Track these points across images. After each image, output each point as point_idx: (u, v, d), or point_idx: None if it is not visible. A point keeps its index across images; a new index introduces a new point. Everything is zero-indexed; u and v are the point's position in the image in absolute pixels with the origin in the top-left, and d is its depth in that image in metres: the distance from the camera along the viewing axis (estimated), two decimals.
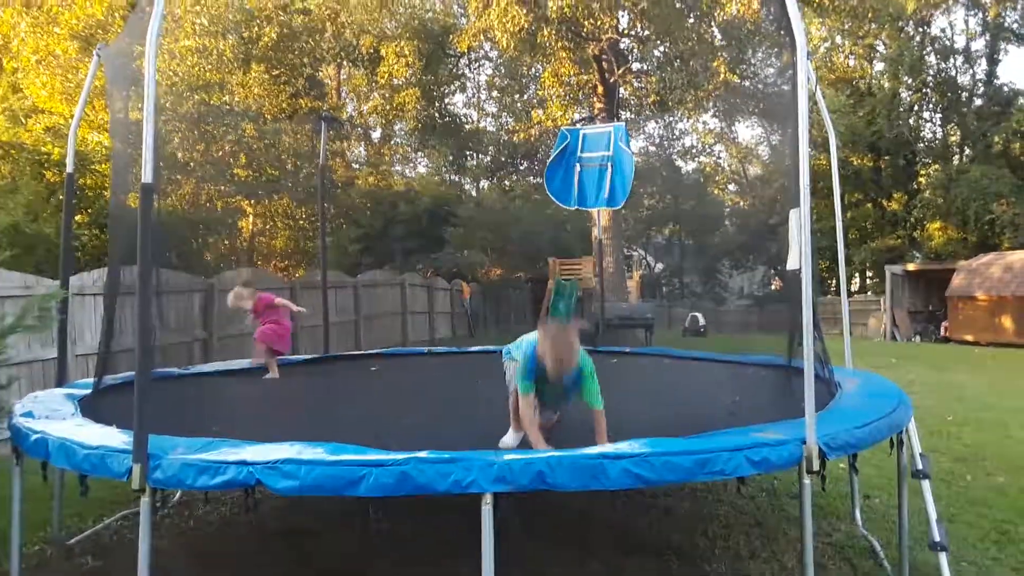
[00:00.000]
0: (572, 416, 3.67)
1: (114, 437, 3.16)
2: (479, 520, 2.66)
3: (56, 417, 3.61)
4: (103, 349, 4.85)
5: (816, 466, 2.91)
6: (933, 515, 3.62)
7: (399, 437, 3.49)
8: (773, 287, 38.59)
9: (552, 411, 3.69)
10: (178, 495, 5.38)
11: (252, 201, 16.28)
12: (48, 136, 12.89)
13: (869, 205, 32.42)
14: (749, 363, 6.09)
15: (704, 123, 31.10)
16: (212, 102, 15.01)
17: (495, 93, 31.01)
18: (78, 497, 3.81)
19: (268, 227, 17.37)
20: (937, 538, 3.55)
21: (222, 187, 15.03)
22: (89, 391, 4.49)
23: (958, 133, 31.74)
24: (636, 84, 21.06)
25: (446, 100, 24.92)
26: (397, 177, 27.01)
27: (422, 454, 2.76)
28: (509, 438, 3.56)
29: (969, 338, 20.79)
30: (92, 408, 3.99)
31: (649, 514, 4.99)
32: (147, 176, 2.92)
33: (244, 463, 2.76)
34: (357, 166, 24.71)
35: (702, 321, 26.48)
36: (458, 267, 21.23)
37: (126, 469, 2.85)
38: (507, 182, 29.82)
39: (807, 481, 2.93)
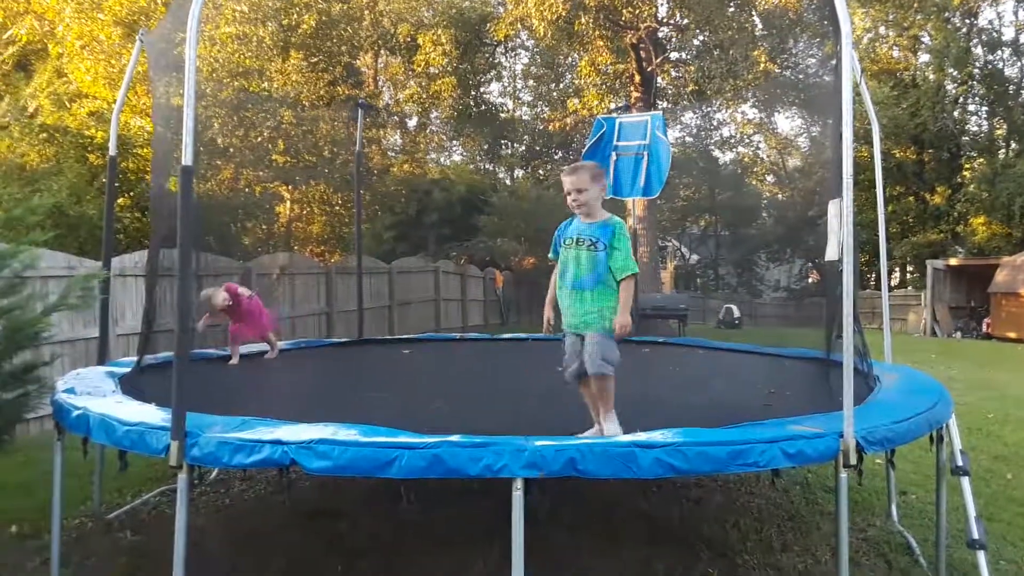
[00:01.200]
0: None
1: (153, 414, 3.22)
2: (509, 506, 2.67)
3: (97, 394, 3.70)
4: (144, 329, 4.96)
5: (853, 460, 2.87)
6: (972, 512, 3.54)
7: (431, 421, 3.51)
8: (810, 280, 38.05)
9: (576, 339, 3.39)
10: (215, 473, 5.48)
11: (289, 187, 16.45)
12: (92, 120, 13.16)
13: (911, 199, 31.74)
14: (786, 355, 6.02)
15: (743, 113, 30.64)
16: (251, 89, 15.16)
17: (531, 82, 30.90)
18: (118, 473, 3.92)
19: (305, 213, 17.54)
20: (976, 535, 3.48)
21: (260, 172, 15.20)
22: (130, 369, 4.59)
23: (1004, 126, 30.88)
24: (674, 73, 20.82)
25: (482, 89, 24.87)
26: (432, 165, 27.08)
27: (454, 438, 2.77)
28: (612, 426, 3.24)
29: (1012, 335, 20.27)
30: (132, 386, 4.08)
31: (680, 505, 4.96)
32: (187, 159, 2.96)
33: (279, 442, 2.80)
34: (393, 154, 24.81)
35: (737, 313, 26.24)
36: (491, 255, 21.22)
37: (164, 446, 2.91)
38: (541, 171, 29.72)
39: (844, 475, 2.89)
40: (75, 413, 3.40)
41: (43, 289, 6.63)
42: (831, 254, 3.30)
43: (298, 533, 4.43)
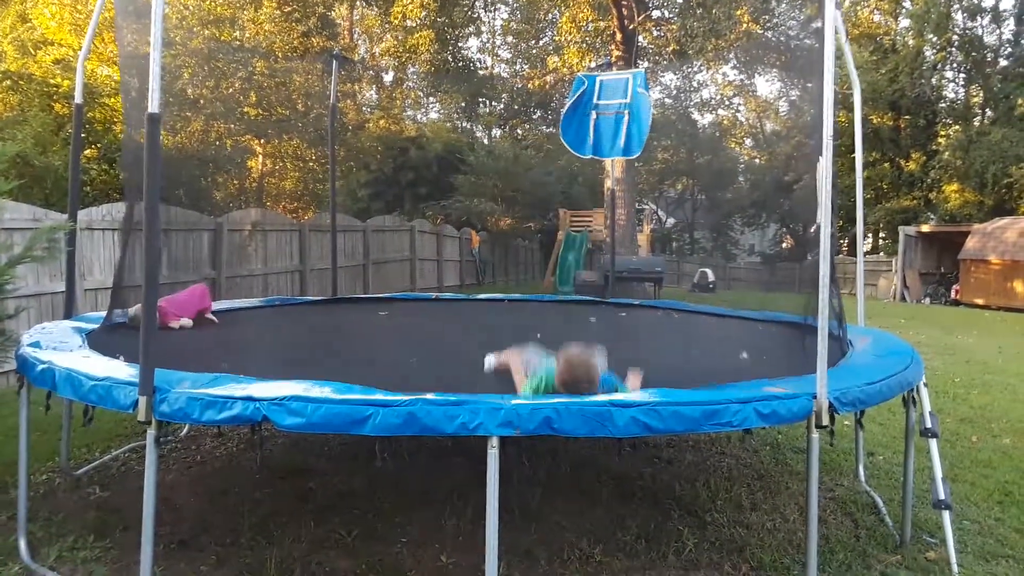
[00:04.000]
0: None
1: (121, 370, 3.16)
2: (484, 464, 2.66)
3: (63, 349, 3.61)
4: (115, 284, 4.85)
5: (825, 421, 2.89)
6: (939, 473, 3.61)
7: (406, 379, 3.48)
8: (785, 245, 38.38)
9: None
10: (186, 429, 5.44)
11: (262, 141, 16.12)
12: (57, 68, 12.73)
13: (886, 165, 31.93)
14: (762, 319, 6.05)
15: (724, 74, 30.49)
16: (222, 38, 14.75)
17: (510, 38, 30.44)
18: (84, 428, 3.86)
19: (278, 168, 17.24)
20: (941, 496, 3.55)
21: (232, 125, 14.87)
22: (98, 325, 4.50)
23: (981, 94, 31.06)
24: (655, 32, 20.59)
25: (460, 44, 24.45)
26: (408, 122, 26.69)
27: (429, 395, 2.74)
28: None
29: (980, 302, 20.66)
30: (100, 341, 4.00)
31: (652, 464, 5.01)
32: (153, 106, 2.85)
33: (251, 399, 2.76)
34: (368, 109, 24.40)
35: (711, 277, 26.42)
36: (468, 215, 21.08)
37: (132, 401, 2.86)
38: (520, 131, 29.46)
39: (815, 435, 2.92)
40: (40, 367, 3.33)
41: (7, 240, 6.45)
42: (820, 217, 3.27)
43: (270, 490, 4.41)
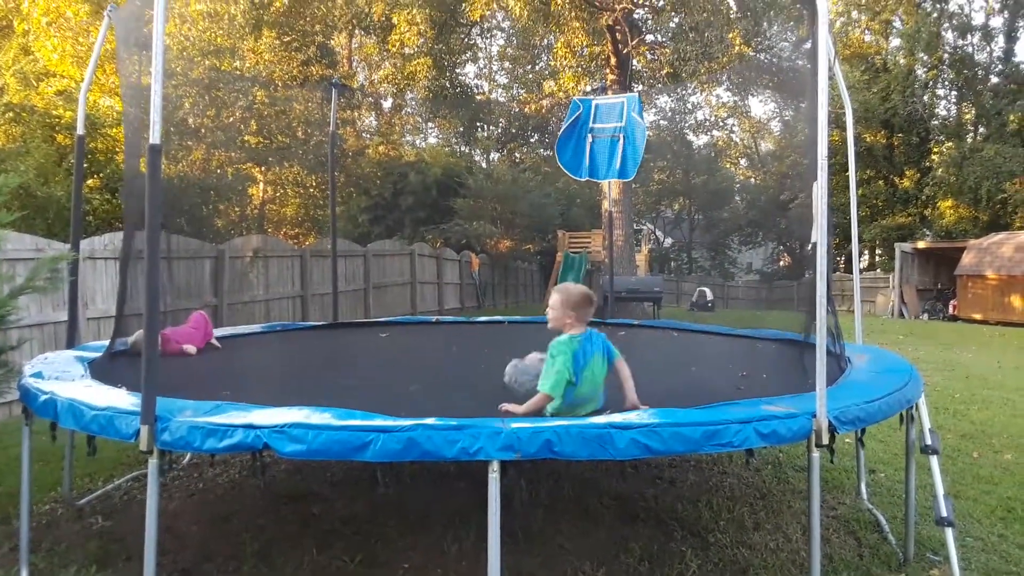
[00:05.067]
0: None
1: (123, 399, 3.17)
2: (486, 488, 2.67)
3: (66, 378, 3.63)
4: (118, 312, 4.88)
5: (826, 440, 2.91)
6: (941, 490, 3.61)
7: (407, 404, 3.49)
8: (782, 263, 38.46)
9: None
10: (188, 457, 5.43)
11: (263, 168, 16.23)
12: (60, 100, 12.85)
13: (881, 182, 32.12)
14: (760, 337, 6.07)
15: (717, 96, 30.76)
16: (223, 67, 14.90)
17: (507, 64, 30.73)
18: (88, 458, 3.86)
19: (279, 195, 17.35)
20: (944, 513, 3.55)
21: (233, 154, 14.98)
22: (100, 354, 4.52)
23: (973, 111, 31.31)
24: (649, 56, 20.81)
25: (457, 70, 24.69)
26: (407, 147, 26.88)
27: (429, 420, 2.76)
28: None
29: (977, 317, 20.69)
30: (103, 370, 4.01)
31: (655, 484, 5.01)
32: (155, 137, 2.89)
33: (252, 426, 2.77)
34: (368, 135, 24.58)
35: (710, 296, 26.46)
36: (467, 238, 21.16)
37: (134, 431, 2.86)
38: (517, 154, 29.63)
39: (816, 455, 2.93)
40: (43, 397, 3.34)
41: (10, 271, 6.49)
42: (816, 236, 3.31)
43: (273, 516, 4.41)
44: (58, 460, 4.66)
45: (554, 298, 3.41)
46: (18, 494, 3.65)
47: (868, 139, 30.90)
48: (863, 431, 4.21)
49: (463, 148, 29.42)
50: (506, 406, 3.17)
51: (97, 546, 3.92)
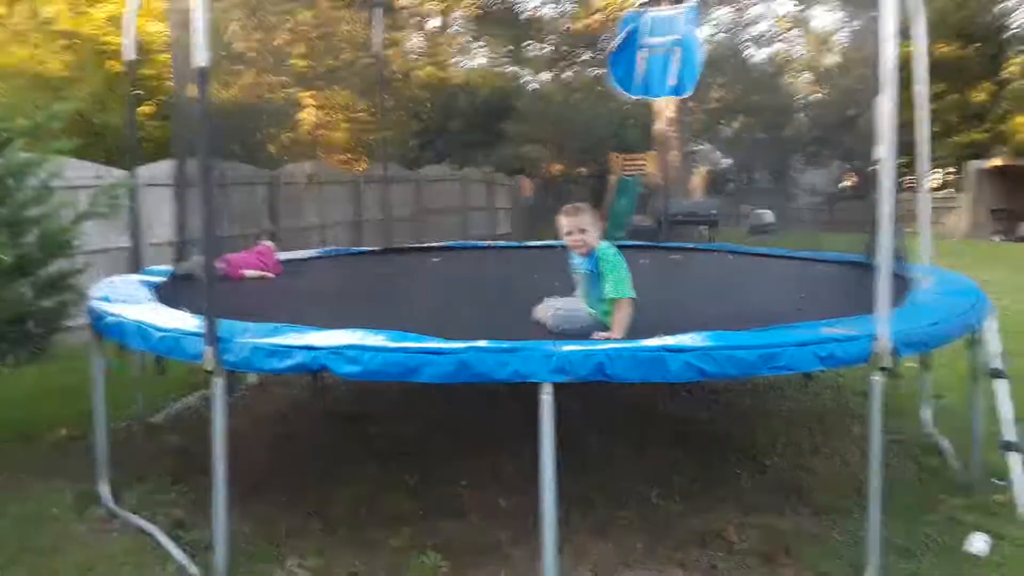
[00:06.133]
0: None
1: (187, 321, 3.25)
2: (538, 411, 2.68)
3: (132, 301, 3.74)
4: (178, 238, 4.99)
5: (887, 363, 2.82)
6: (1008, 415, 3.51)
7: (460, 326, 3.51)
8: (847, 183, 37.13)
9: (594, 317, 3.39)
10: (254, 378, 5.61)
11: (312, 92, 16.18)
12: (109, 25, 12.89)
13: (954, 96, 30.41)
14: (821, 260, 5.90)
15: (779, 6, 29.25)
16: None
17: None
18: (157, 378, 4.01)
19: (329, 120, 17.30)
20: (1010, 438, 3.46)
21: (281, 78, 14.93)
22: (164, 278, 4.64)
23: None
24: None
25: None
26: (455, 69, 26.39)
27: (482, 343, 2.77)
28: None
29: None
30: (167, 294, 4.12)
31: (709, 408, 4.99)
32: (202, 59, 2.86)
33: (310, 348, 2.82)
34: (415, 57, 24.18)
35: (770, 218, 25.72)
36: (519, 162, 20.91)
37: (199, 351, 2.95)
38: (569, 72, 28.85)
39: (877, 378, 2.85)
40: (110, 320, 3.46)
41: (72, 198, 6.65)
42: (881, 152, 3.14)
43: (334, 436, 4.55)
44: (129, 380, 4.85)
45: (584, 220, 3.32)
46: (92, 414, 3.82)
47: (939, 50, 29.13)
48: (928, 354, 4.09)
49: (512, 68, 28.77)
50: (599, 335, 3.12)
51: (171, 462, 4.12)
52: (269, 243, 5.94)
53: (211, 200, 3.00)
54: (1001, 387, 3.63)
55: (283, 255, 6.13)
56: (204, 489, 3.47)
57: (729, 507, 3.53)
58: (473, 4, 20.96)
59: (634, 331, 3.12)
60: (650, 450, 4.21)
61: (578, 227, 3.31)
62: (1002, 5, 28.46)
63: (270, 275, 5.36)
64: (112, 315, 3.48)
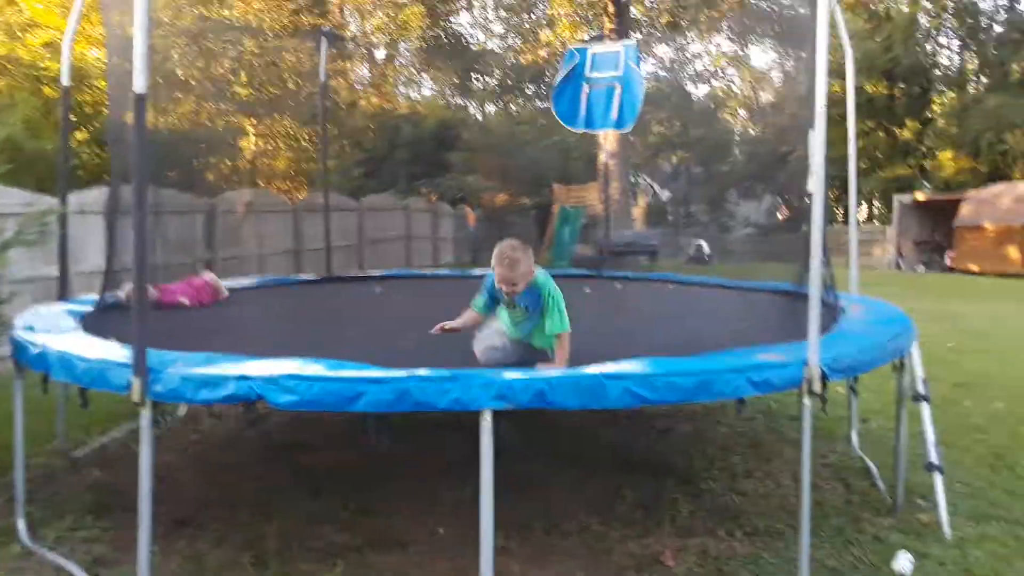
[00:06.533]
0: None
1: (115, 351, 3.15)
2: (479, 440, 2.67)
3: (57, 331, 3.61)
4: (107, 266, 4.84)
5: (818, 387, 2.91)
6: (931, 438, 3.64)
7: (400, 355, 3.49)
8: (780, 216, 38.28)
9: (519, 343, 3.49)
10: (183, 410, 5.45)
11: (254, 121, 16.01)
12: (46, 52, 12.58)
13: (881, 133, 31.79)
14: (754, 289, 6.06)
15: (717, 45, 30.27)
16: (211, 16, 14.59)
17: (502, 12, 30.12)
18: (82, 411, 3.86)
19: (270, 148, 17.14)
20: (933, 459, 3.58)
21: (223, 105, 14.76)
22: (91, 307, 4.50)
23: (975, 61, 30.89)
24: (648, 3, 20.42)
25: (451, 19, 24.22)
26: (401, 99, 26.49)
27: (422, 371, 2.75)
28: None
29: (975, 268, 20.69)
30: (94, 324, 3.99)
31: (648, 435, 5.04)
32: (139, 86, 2.82)
33: (245, 378, 2.76)
34: (360, 87, 24.19)
35: (707, 249, 26.36)
36: (463, 192, 21.00)
37: (126, 383, 2.85)
38: (513, 106, 29.24)
39: (807, 402, 2.93)
40: (34, 350, 3.33)
41: (0, 225, 6.41)
42: (811, 186, 3.27)
43: (268, 467, 4.44)
44: (52, 413, 4.66)
45: (518, 272, 3.29)
46: (12, 448, 3.65)
47: (869, 89, 30.47)
48: (856, 380, 4.23)
49: (458, 100, 29.02)
50: (542, 365, 3.17)
51: (93, 497, 3.95)
52: (209, 276, 5.80)
53: (144, 226, 2.93)
54: (925, 411, 3.76)
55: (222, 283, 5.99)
56: (128, 525, 3.34)
57: (666, 531, 3.56)
58: (420, 37, 21.10)
59: (575, 359, 3.15)
60: (592, 477, 4.22)
61: (511, 281, 3.30)
62: (926, 49, 29.97)
63: (186, 301, 5.25)
64: (35, 345, 3.35)
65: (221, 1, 15.19)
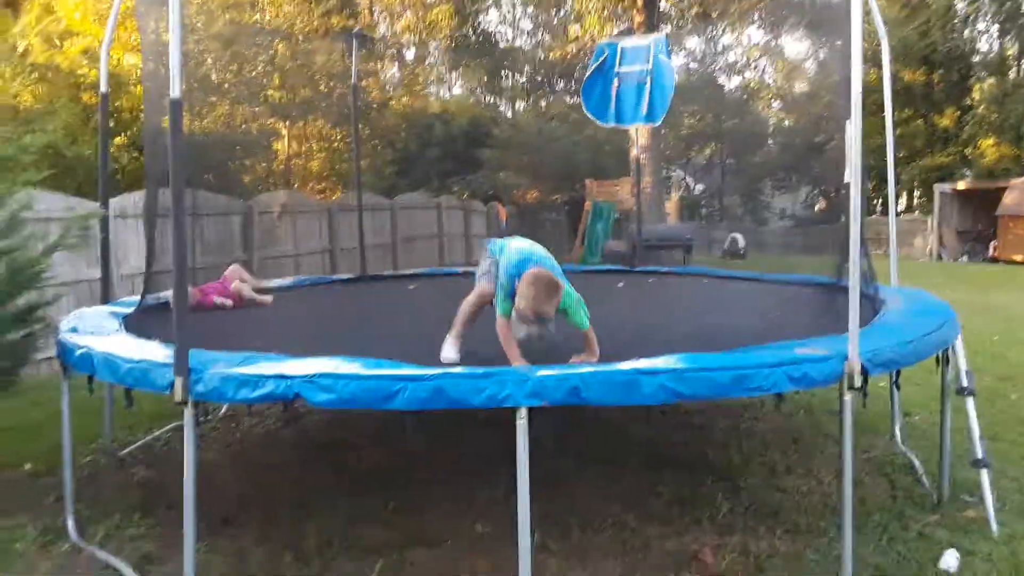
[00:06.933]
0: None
1: (156, 351, 3.22)
2: (514, 436, 2.67)
3: (100, 333, 3.69)
4: (147, 269, 4.94)
5: (858, 382, 2.85)
6: (976, 432, 3.56)
7: (436, 353, 3.50)
8: (816, 208, 37.69)
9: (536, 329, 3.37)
10: (224, 408, 5.54)
11: (287, 123, 16.20)
12: (84, 58, 12.86)
13: (920, 121, 31.12)
14: (792, 282, 5.97)
15: (749, 36, 29.88)
16: (243, 21, 14.78)
17: (531, 9, 30.05)
18: (127, 411, 3.94)
19: (304, 149, 17.32)
20: (979, 454, 3.50)
21: (256, 109, 14.95)
22: (133, 309, 4.59)
23: (1015, 46, 30.07)
24: None
25: (480, 17, 24.23)
26: (432, 99, 26.57)
27: (457, 369, 2.77)
28: (449, 350, 3.50)
29: (1018, 258, 20.16)
30: (136, 325, 4.07)
31: (684, 430, 5.00)
32: (175, 91, 2.86)
33: (283, 376, 2.80)
34: (391, 88, 24.32)
35: (742, 243, 26.05)
36: (494, 189, 21.01)
37: (168, 382, 2.91)
38: (543, 102, 29.16)
39: (848, 397, 2.88)
40: (79, 352, 3.41)
41: (43, 230, 6.57)
42: (849, 176, 3.21)
43: (308, 466, 4.49)
44: (98, 413, 4.77)
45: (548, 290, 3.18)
46: (61, 447, 3.75)
47: (906, 77, 29.83)
48: (898, 374, 4.14)
49: (488, 98, 29.02)
50: (577, 358, 3.20)
51: (139, 495, 4.04)
52: (235, 265, 5.88)
53: (182, 229, 2.98)
54: (970, 405, 3.68)
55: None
56: (173, 523, 3.41)
57: (705, 529, 3.52)
58: (449, 36, 21.16)
59: (607, 354, 3.14)
60: (627, 473, 4.20)
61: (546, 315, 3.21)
62: (964, 34, 29.29)
63: (229, 303, 5.33)
64: (80, 347, 3.43)
65: (253, 5, 15.38)
